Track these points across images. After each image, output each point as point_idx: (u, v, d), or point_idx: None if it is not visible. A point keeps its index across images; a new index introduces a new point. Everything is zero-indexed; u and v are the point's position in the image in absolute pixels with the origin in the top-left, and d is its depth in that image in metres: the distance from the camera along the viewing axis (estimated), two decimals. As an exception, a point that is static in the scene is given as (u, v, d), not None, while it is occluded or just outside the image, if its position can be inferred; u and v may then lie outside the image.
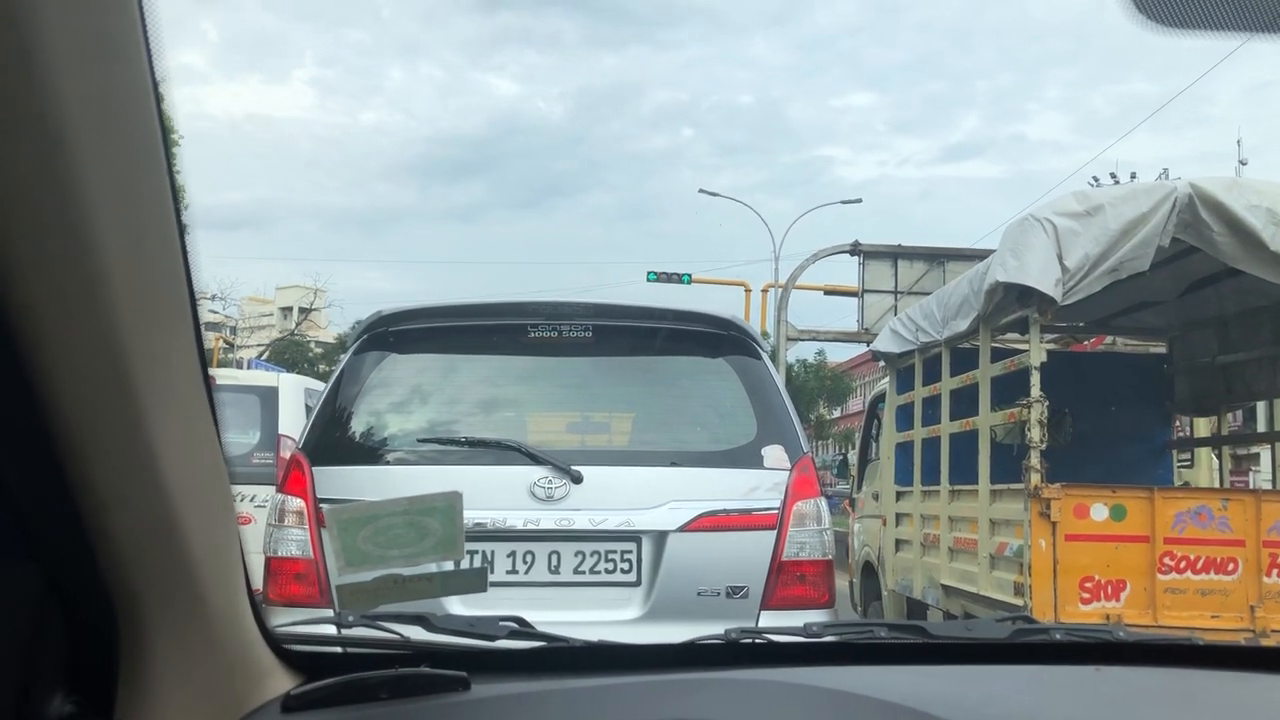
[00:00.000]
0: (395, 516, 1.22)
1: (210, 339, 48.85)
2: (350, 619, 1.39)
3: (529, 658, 1.43)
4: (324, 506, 3.18)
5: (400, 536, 1.22)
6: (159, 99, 0.74)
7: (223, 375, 8.59)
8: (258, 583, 3.92)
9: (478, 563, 3.26)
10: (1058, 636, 1.70)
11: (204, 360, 0.91)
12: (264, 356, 43.06)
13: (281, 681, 1.26)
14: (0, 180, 0.64)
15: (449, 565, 1.31)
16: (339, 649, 1.39)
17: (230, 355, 45.71)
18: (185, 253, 0.84)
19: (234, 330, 53.62)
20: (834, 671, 1.43)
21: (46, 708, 0.89)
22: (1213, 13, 1.10)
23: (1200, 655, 1.70)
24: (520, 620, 1.51)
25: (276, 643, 1.27)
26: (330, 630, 1.43)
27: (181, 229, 0.82)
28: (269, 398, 7.40)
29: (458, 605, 3.12)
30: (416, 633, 1.43)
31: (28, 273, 0.68)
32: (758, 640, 1.62)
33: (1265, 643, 4.54)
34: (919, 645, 1.60)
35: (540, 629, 1.52)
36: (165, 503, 0.87)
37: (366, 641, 1.40)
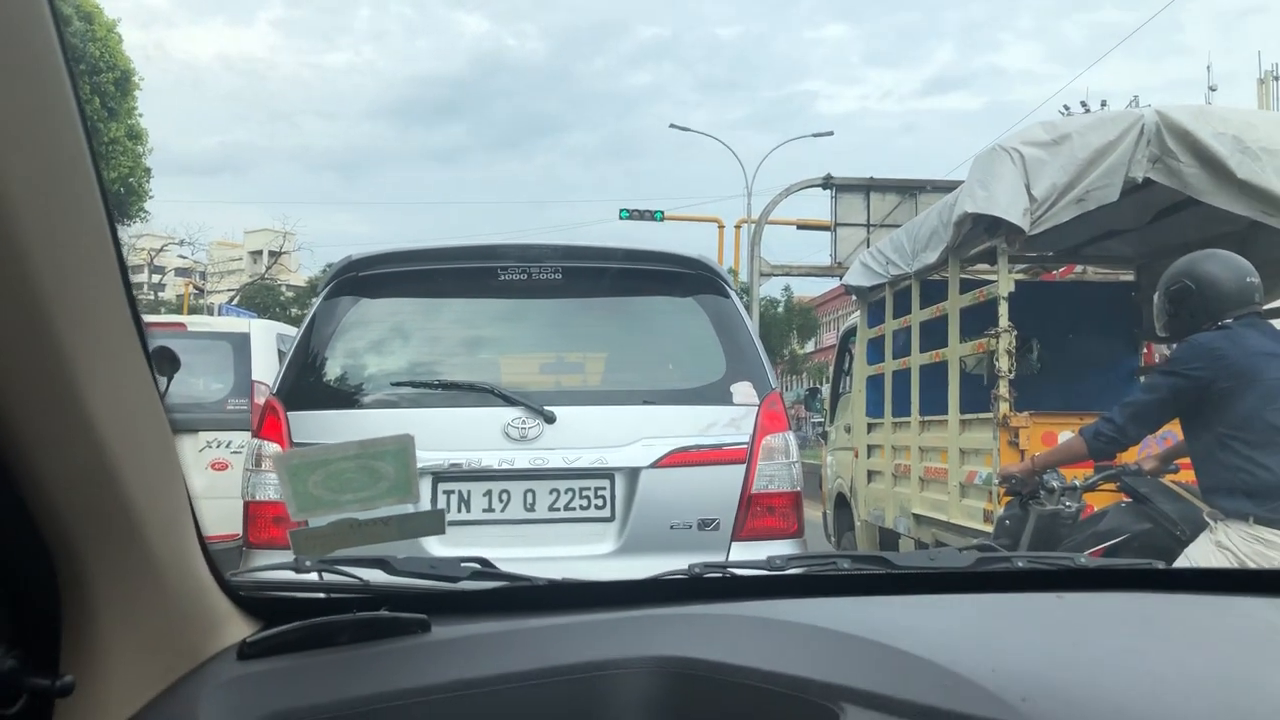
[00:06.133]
0: (346, 460, 1.21)
1: (180, 285, 48.46)
2: (308, 564, 1.39)
3: (491, 598, 1.43)
4: (282, 453, 3.20)
5: (353, 481, 1.21)
6: (63, 38, 0.71)
7: (194, 322, 8.56)
8: (224, 528, 3.95)
9: (454, 502, 3.34)
10: (1020, 565, 1.72)
11: (134, 304, 0.88)
12: (234, 301, 42.72)
13: (239, 629, 1.26)
14: None
15: (405, 508, 1.30)
16: (299, 594, 1.38)
17: (200, 301, 45.36)
18: (105, 196, 0.81)
19: (203, 275, 53.15)
20: (797, 604, 1.43)
21: None
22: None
23: (1161, 579, 1.72)
24: (483, 561, 1.50)
25: (233, 590, 1.26)
26: (289, 575, 1.42)
27: (100, 175, 0.79)
28: (241, 344, 7.39)
29: (436, 546, 3.21)
30: (377, 576, 1.43)
31: None
32: (721, 575, 1.63)
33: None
34: (882, 576, 1.61)
35: (504, 569, 1.52)
36: (97, 449, 0.85)
37: (326, 586, 1.40)
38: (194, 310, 40.35)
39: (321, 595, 1.39)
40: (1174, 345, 3.81)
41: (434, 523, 1.32)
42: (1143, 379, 3.70)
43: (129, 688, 1.01)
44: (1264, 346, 3.49)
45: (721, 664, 1.20)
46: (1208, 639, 1.29)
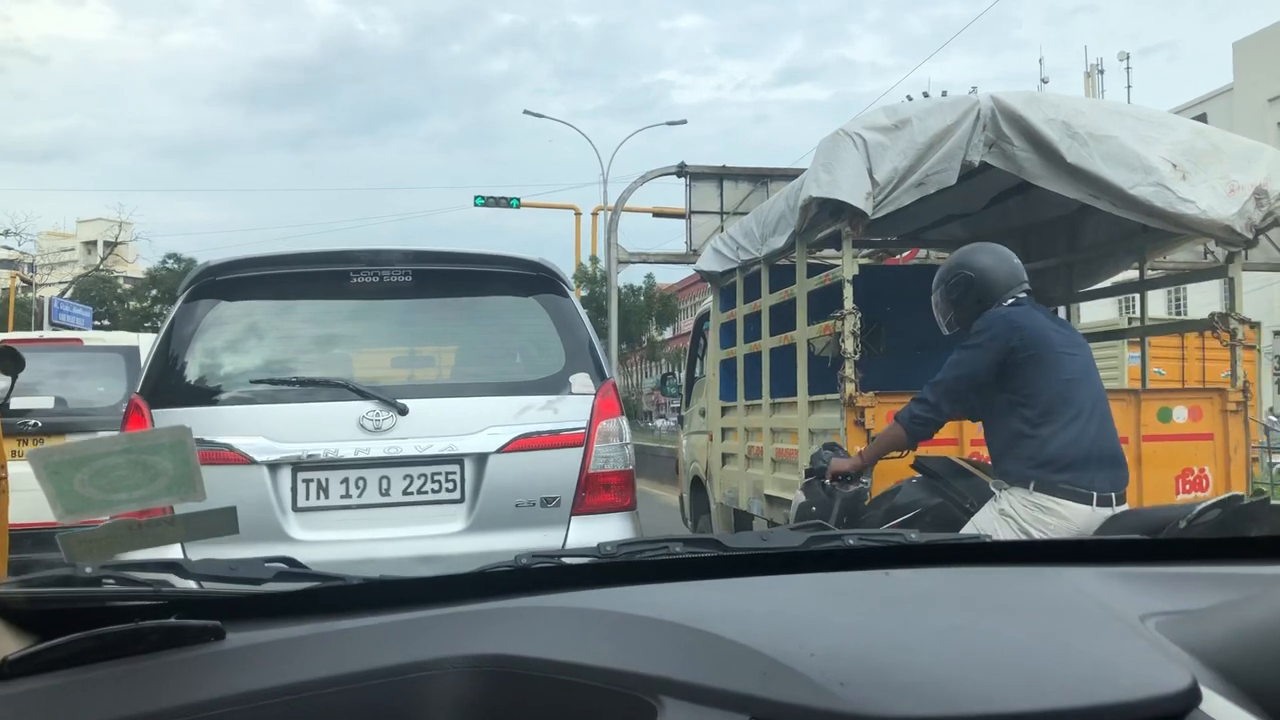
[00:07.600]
0: (115, 456, 1.09)
1: (5, 277, 45.68)
2: (88, 570, 1.26)
3: (298, 600, 1.33)
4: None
5: (125, 478, 1.10)
6: None
7: (90, 338, 9.37)
8: None
9: (314, 490, 3.61)
10: (851, 543, 1.71)
11: None
12: (67, 294, 40.52)
13: (5, 645, 1.13)
14: None
15: (193, 506, 1.19)
16: (80, 605, 1.26)
17: (29, 294, 42.84)
18: None
19: (32, 267, 50.15)
20: (625, 592, 1.38)
21: None
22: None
23: (988, 553, 1.74)
24: (290, 561, 1.41)
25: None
26: (70, 585, 1.29)
27: None
28: (132, 355, 8.09)
29: (297, 531, 3.53)
30: (170, 581, 1.32)
31: None
32: (549, 565, 1.57)
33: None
34: (713, 559, 1.58)
35: (315, 568, 1.42)
36: None
37: (111, 595, 1.28)
38: (20, 304, 38.24)
39: (108, 605, 1.27)
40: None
41: (225, 521, 1.21)
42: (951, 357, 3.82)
43: None
44: (1047, 322, 3.75)
45: (539, 659, 1.14)
46: (1027, 610, 1.30)
